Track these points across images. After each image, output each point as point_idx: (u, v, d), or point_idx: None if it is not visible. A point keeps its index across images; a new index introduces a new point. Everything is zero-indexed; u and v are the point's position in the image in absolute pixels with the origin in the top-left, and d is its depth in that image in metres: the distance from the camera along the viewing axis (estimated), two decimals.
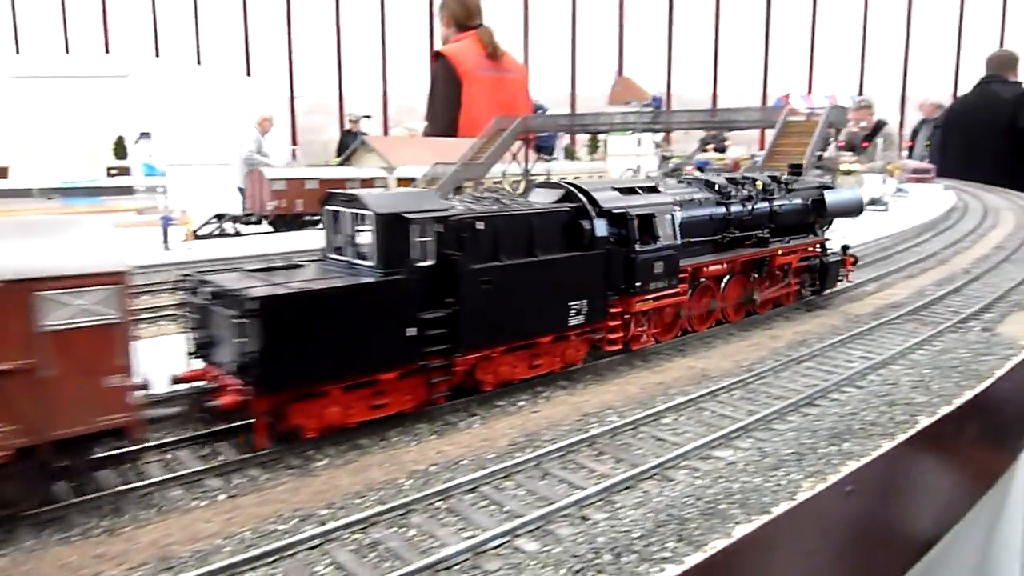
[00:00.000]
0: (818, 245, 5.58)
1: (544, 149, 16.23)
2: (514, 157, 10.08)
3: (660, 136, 17.85)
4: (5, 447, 2.35)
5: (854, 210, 5.92)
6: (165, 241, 7.90)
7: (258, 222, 9.95)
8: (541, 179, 11.62)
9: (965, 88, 34.75)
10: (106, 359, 2.53)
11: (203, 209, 10.25)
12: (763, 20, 36.64)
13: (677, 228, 4.36)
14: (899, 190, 12.12)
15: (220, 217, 9.36)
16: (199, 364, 3.28)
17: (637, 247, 4.12)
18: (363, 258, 3.42)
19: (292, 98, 36.81)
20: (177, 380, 3.25)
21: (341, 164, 12.37)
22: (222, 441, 3.15)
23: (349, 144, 29.42)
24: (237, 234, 9.40)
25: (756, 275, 5.02)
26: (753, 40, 36.65)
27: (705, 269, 4.64)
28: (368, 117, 11.87)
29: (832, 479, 2.88)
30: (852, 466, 2.99)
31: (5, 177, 14.45)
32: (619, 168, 17.39)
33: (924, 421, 3.44)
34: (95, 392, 2.52)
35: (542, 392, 3.79)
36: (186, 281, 3.41)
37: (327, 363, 3.07)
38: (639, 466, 2.89)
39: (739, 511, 2.57)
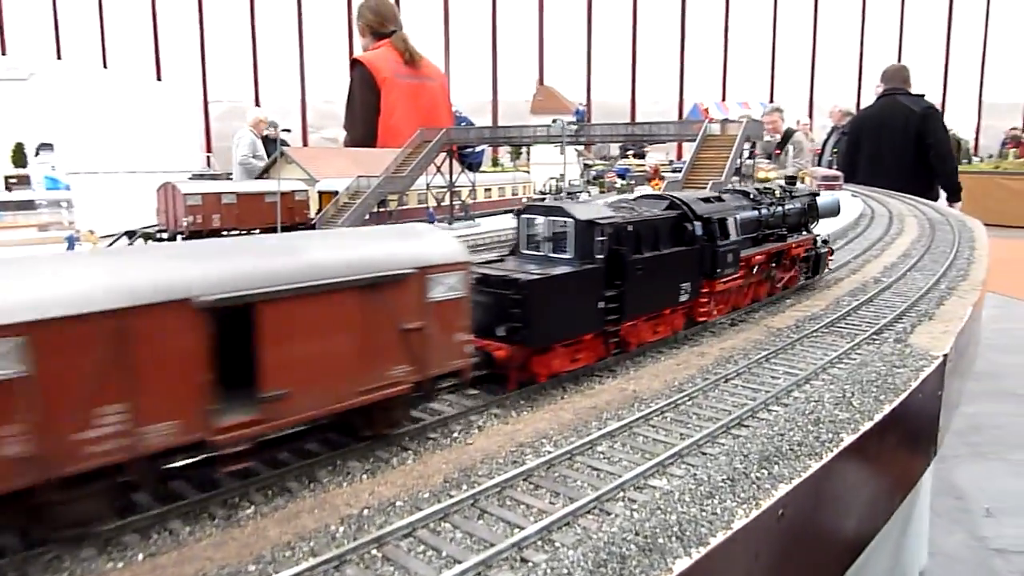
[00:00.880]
0: (812, 240, 6.89)
1: (473, 167, 16.14)
2: (438, 169, 9.98)
3: (582, 146, 18.07)
4: (407, 381, 3.40)
5: (835, 212, 7.73)
6: None
7: (172, 239, 9.56)
8: (466, 191, 11.58)
9: (867, 96, 36.50)
10: (458, 321, 3.64)
11: (113, 222, 9.79)
12: (678, 29, 37.56)
13: (738, 227, 5.62)
14: None
15: (131, 234, 8.95)
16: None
17: (719, 243, 5.33)
18: (561, 252, 4.54)
19: (206, 103, 35.64)
20: None
21: (260, 176, 12.00)
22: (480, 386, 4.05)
23: (267, 150, 28.65)
24: None
25: (775, 264, 6.21)
26: (669, 48, 37.51)
27: (753, 259, 5.94)
28: (288, 131, 11.52)
29: (765, 504, 2.92)
30: (783, 490, 3.04)
31: None
32: (543, 176, 17.50)
33: (848, 438, 3.54)
34: (451, 344, 3.61)
35: (476, 422, 3.73)
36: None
37: (557, 327, 4.27)
38: (577, 500, 2.87)
39: (677, 544, 2.57)
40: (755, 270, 6.00)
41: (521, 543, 2.57)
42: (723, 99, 37.97)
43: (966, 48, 37.13)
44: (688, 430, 3.62)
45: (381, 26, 15.42)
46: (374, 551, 2.56)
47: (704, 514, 2.79)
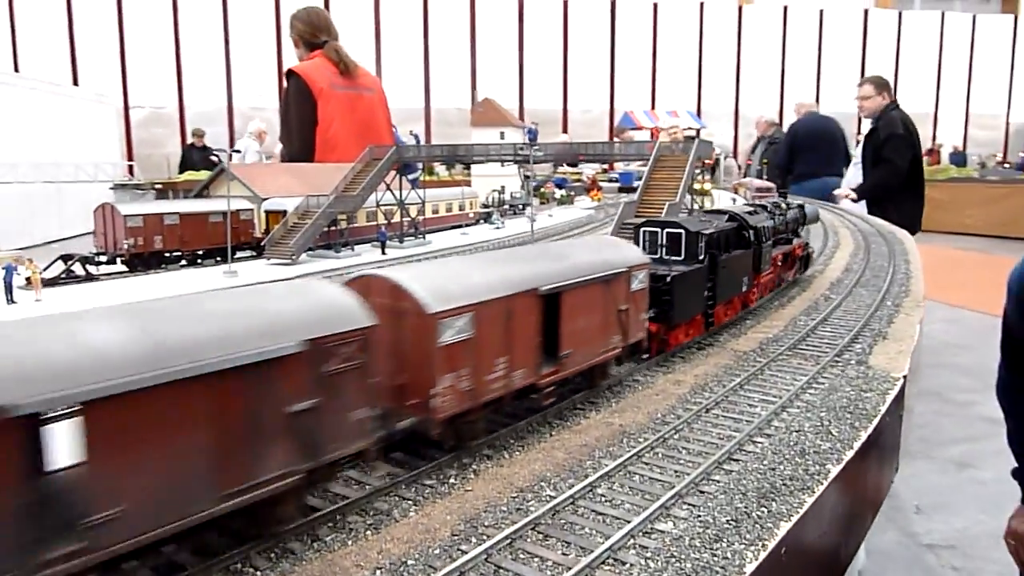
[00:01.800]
0: (804, 243, 8.53)
1: (413, 182, 15.99)
2: (388, 187, 9.87)
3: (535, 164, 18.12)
4: (619, 346, 4.67)
5: (816, 219, 9.69)
6: (8, 293, 7.05)
7: (111, 262, 9.15)
8: (414, 207, 11.46)
9: (789, 107, 37.84)
10: (643, 305, 4.92)
11: (27, 234, 9.30)
12: (608, 39, 38.15)
13: (769, 234, 7.11)
14: None
15: (67, 258, 8.52)
16: None
17: (763, 246, 6.79)
18: (675, 255, 5.66)
19: (127, 109, 34.31)
20: None
21: (199, 194, 11.61)
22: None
23: (193, 159, 27.67)
24: (89, 277, 8.57)
25: (783, 262, 7.73)
26: (599, 57, 38.07)
27: (776, 258, 7.41)
28: (237, 151, 11.10)
29: (771, 545, 2.99)
30: (784, 528, 3.12)
31: None
32: (484, 187, 17.49)
33: (834, 469, 3.66)
34: (639, 320, 4.87)
35: (470, 465, 3.69)
36: None
37: (685, 309, 5.54)
38: (590, 550, 2.87)
39: None
40: (776, 267, 7.51)
41: None
42: (652, 107, 38.81)
43: (882, 60, 38.88)
44: (681, 467, 3.66)
45: (313, 36, 15.06)
46: None
47: (716, 559, 2.83)
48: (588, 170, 23.49)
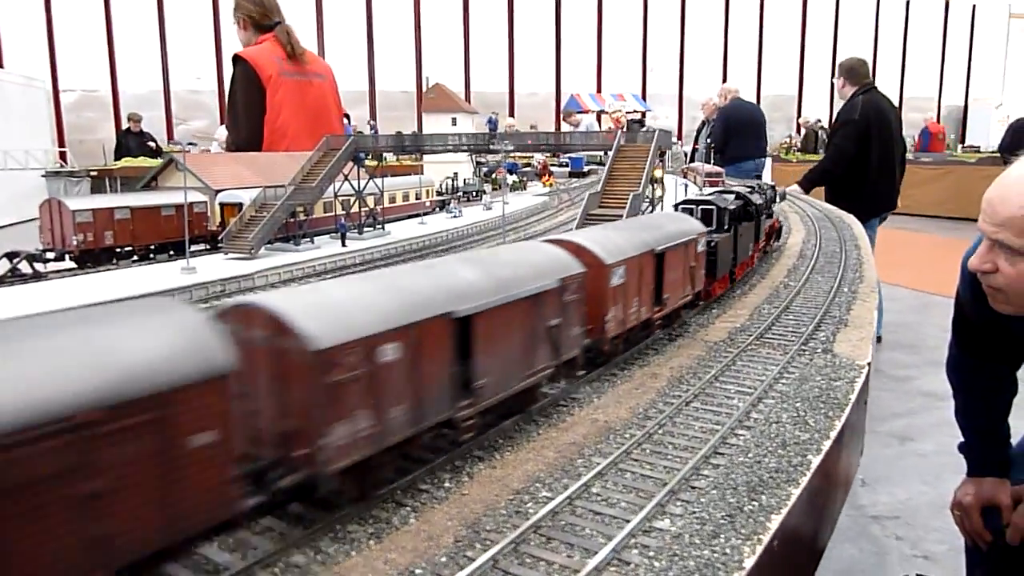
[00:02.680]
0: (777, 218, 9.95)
1: (359, 162, 15.77)
2: (346, 178, 9.74)
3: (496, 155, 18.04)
4: (691, 295, 5.87)
5: (784, 198, 11.68)
6: None
7: (60, 259, 8.83)
8: (371, 197, 11.33)
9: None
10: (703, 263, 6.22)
11: None
12: (553, 21, 38.09)
13: (761, 209, 8.44)
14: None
15: (12, 256, 8.19)
16: None
17: (761, 219, 8.35)
18: (708, 226, 6.70)
19: (56, 92, 32.90)
20: None
21: (146, 185, 11.26)
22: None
23: (129, 145, 26.72)
24: (36, 275, 8.26)
25: (767, 233, 9.06)
26: (545, 40, 38.04)
27: (765, 230, 8.81)
28: (193, 144, 10.72)
29: (765, 539, 3.09)
30: (776, 520, 3.23)
31: None
32: (437, 174, 17.39)
33: (815, 460, 3.79)
34: (701, 276, 6.14)
35: (463, 468, 3.71)
36: None
37: (721, 269, 6.85)
38: (594, 552, 2.92)
39: None
40: (767, 237, 9.04)
41: None
42: (599, 91, 39.02)
43: (821, 43, 39.81)
44: (670, 463, 3.75)
45: (264, 18, 14.56)
46: None
47: (716, 555, 2.92)
48: (539, 155, 23.52)
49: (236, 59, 14.02)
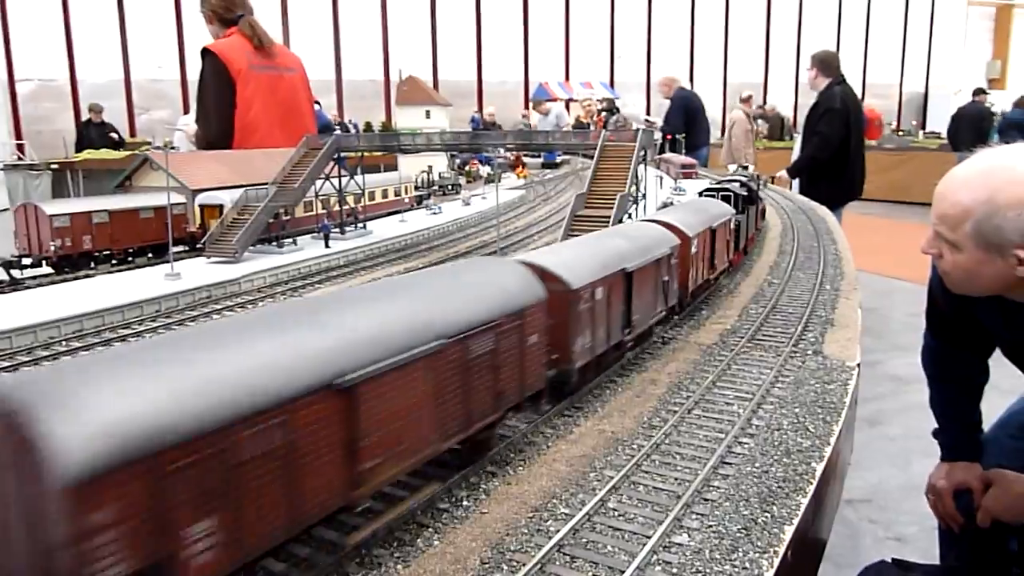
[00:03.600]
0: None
1: (339, 161, 15.61)
2: (327, 177, 9.67)
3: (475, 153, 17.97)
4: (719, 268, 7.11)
5: (766, 184, 13.14)
6: None
7: (37, 264, 8.65)
8: (351, 196, 11.26)
9: (702, 77, 38.76)
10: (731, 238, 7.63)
11: None
12: (521, 9, 37.94)
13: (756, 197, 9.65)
14: (677, 189, 13.29)
15: None
16: None
17: (757, 204, 9.70)
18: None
19: (11, 83, 31.95)
20: None
21: (121, 184, 11.05)
22: None
23: (90, 137, 26.07)
24: (13, 282, 8.09)
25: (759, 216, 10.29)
26: (513, 28, 37.90)
27: (759, 212, 10.08)
28: (173, 146, 10.42)
29: (780, 550, 3.20)
30: (789, 532, 3.34)
31: None
32: (412, 168, 17.29)
33: (818, 468, 3.92)
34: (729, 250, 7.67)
35: (478, 484, 3.76)
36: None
37: (740, 243, 8.34)
38: (619, 570, 3.00)
39: None
40: (759, 218, 10.27)
41: None
42: (567, 79, 39.03)
43: (785, 31, 40.24)
44: (680, 474, 3.84)
45: (228, 12, 14.19)
46: None
47: (737, 570, 3.02)
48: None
49: (205, 52, 13.69)
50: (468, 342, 3.31)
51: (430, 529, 3.39)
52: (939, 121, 37.56)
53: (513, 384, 3.75)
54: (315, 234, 10.08)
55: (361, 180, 10.90)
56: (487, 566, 3.09)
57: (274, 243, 9.30)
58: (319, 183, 10.00)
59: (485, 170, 20.44)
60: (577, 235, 7.23)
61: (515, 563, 3.09)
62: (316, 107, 17.06)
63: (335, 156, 9.92)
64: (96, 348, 6.14)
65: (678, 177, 15.86)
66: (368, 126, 27.66)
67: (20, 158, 24.33)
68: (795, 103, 39.31)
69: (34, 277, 8.50)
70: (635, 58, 40.08)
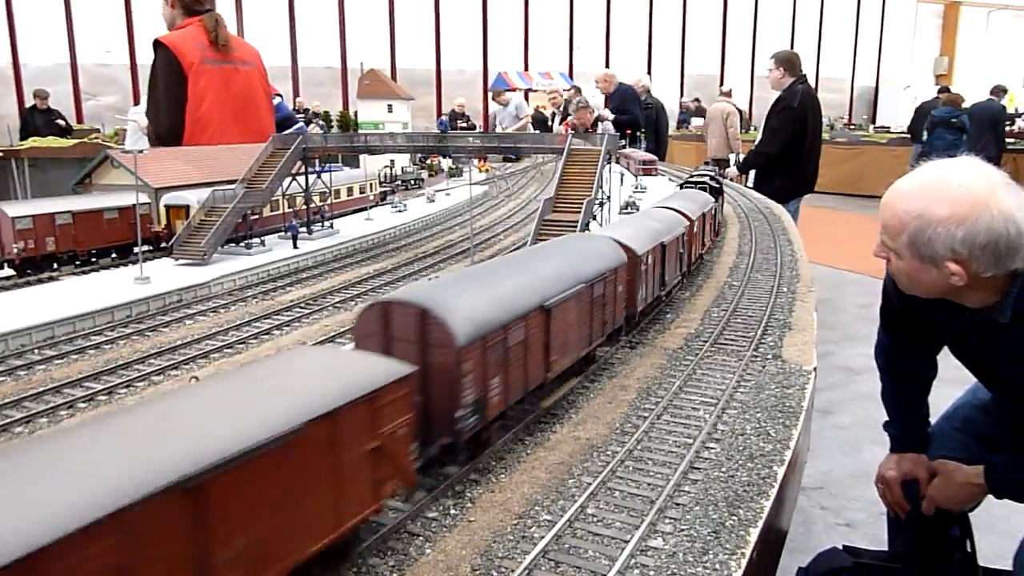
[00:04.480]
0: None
1: (281, 124, 15.45)
2: (294, 177, 9.71)
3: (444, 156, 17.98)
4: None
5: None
6: None
7: None
8: (320, 195, 11.29)
9: (661, 70, 39.20)
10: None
11: None
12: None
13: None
14: (638, 187, 13.57)
15: None
16: None
17: (724, 195, 11.22)
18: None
19: None
20: None
21: (79, 183, 10.90)
22: None
23: (36, 124, 25.35)
24: None
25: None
26: (472, 17, 37.79)
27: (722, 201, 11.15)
28: (141, 151, 10.21)
29: (747, 551, 3.46)
30: (754, 534, 3.61)
31: None
32: (374, 163, 17.26)
33: (780, 471, 4.20)
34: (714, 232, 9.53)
35: (464, 492, 3.95)
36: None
37: (718, 227, 10.31)
38: (603, 575, 3.23)
39: None
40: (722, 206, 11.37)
41: None
42: (526, 69, 39.12)
43: (742, 26, 40.86)
44: (653, 479, 4.09)
45: (196, 3, 13.92)
46: None
47: (708, 571, 3.27)
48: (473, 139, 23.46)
49: (157, 45, 13.30)
50: (594, 287, 4.98)
51: (421, 538, 3.57)
52: (889, 115, 38.70)
53: (611, 317, 5.37)
54: (282, 234, 10.10)
55: (328, 178, 10.93)
56: (478, 573, 3.29)
57: (242, 244, 9.30)
58: (288, 182, 10.01)
59: (447, 163, 20.51)
60: (545, 239, 7.45)
61: (504, 569, 3.30)
62: (278, 99, 16.87)
63: (302, 156, 9.95)
64: (70, 356, 6.14)
65: (638, 173, 16.13)
66: (326, 115, 27.43)
67: None
68: (751, 96, 40.05)
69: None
70: (594, 49, 40.34)
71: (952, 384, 4.53)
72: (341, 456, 2.79)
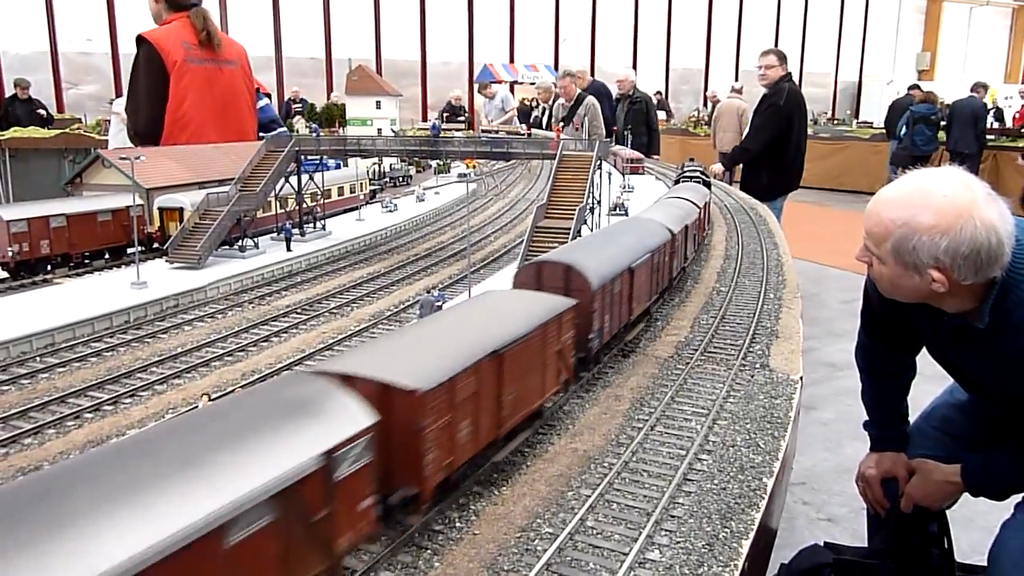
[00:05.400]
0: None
1: (264, 127, 15.35)
2: (286, 179, 9.79)
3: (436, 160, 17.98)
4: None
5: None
6: None
7: None
8: (313, 196, 11.36)
9: (646, 65, 39.30)
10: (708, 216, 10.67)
11: None
12: None
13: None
14: (626, 187, 13.73)
15: None
16: None
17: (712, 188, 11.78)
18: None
19: None
20: None
21: (70, 182, 10.90)
22: None
23: (16, 114, 25.08)
24: None
25: None
26: (458, 8, 37.75)
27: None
28: (139, 158, 10.17)
29: (739, 563, 3.65)
30: (746, 545, 3.80)
31: None
32: (361, 161, 17.28)
33: (769, 483, 4.39)
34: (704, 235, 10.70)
35: (467, 505, 4.11)
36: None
37: (710, 216, 11.19)
38: None
39: None
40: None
41: None
42: (511, 61, 39.13)
43: (726, 21, 41.04)
44: (648, 491, 4.27)
45: None
46: None
47: None
48: (459, 134, 23.50)
49: (140, 40, 13.10)
50: (654, 255, 6.53)
51: (428, 551, 3.73)
52: (872, 111, 39.09)
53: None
54: (275, 235, 10.18)
55: (320, 179, 11.00)
56: None
57: (236, 246, 9.37)
58: (280, 184, 10.08)
59: (434, 160, 20.54)
60: (538, 245, 7.60)
61: None
62: (265, 100, 16.71)
63: (295, 158, 10.02)
64: (72, 364, 6.22)
65: (625, 171, 16.28)
66: (312, 107, 27.34)
67: None
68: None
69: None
70: (580, 42, 40.42)
71: (931, 380, 4.70)
72: (545, 352, 4.43)
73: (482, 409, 3.81)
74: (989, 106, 28.77)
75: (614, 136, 19.53)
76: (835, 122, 37.71)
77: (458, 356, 3.55)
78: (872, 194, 3.62)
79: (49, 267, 9.04)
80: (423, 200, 14.15)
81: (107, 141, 17.91)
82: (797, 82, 15.34)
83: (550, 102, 24.27)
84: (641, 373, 6.03)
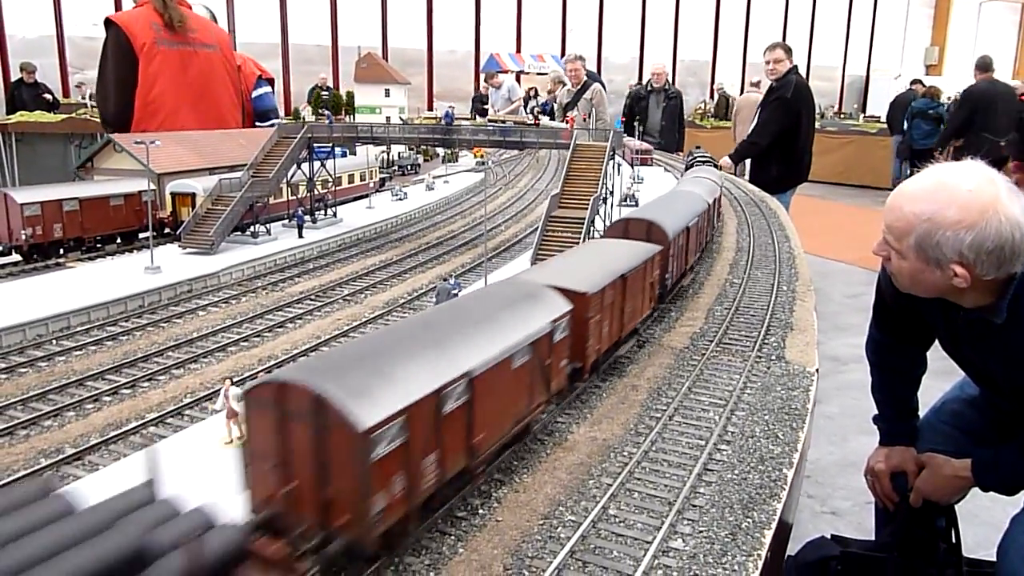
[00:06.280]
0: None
1: (260, 116, 15.19)
2: (299, 166, 9.78)
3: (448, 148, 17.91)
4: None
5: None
6: None
7: (7, 253, 8.58)
8: (324, 183, 11.35)
9: (652, 55, 39.11)
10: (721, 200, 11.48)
11: None
12: None
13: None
14: (636, 178, 13.70)
15: None
16: None
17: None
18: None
19: None
20: None
21: (81, 167, 10.90)
22: None
23: (23, 98, 25.06)
24: None
25: None
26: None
27: None
28: (155, 143, 10.09)
29: (763, 553, 3.66)
30: (768, 536, 3.80)
31: None
32: (374, 149, 17.26)
33: (789, 474, 4.40)
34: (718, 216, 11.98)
35: (489, 492, 4.12)
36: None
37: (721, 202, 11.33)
38: (629, 575, 3.42)
39: None
40: None
41: None
42: (518, 51, 38.94)
43: (735, 15, 40.80)
44: (669, 480, 4.28)
45: None
46: None
47: (728, 573, 3.46)
48: (467, 123, 23.37)
49: (107, 23, 12.87)
50: (699, 219, 7.58)
51: (453, 537, 3.74)
52: (880, 105, 38.90)
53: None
54: (286, 222, 10.17)
55: (332, 166, 10.99)
56: (510, 572, 3.47)
57: (248, 233, 9.37)
58: (292, 171, 10.07)
59: (443, 149, 20.51)
60: (552, 235, 7.59)
61: (535, 569, 3.47)
62: (266, 89, 16.41)
63: (307, 145, 10.01)
64: (88, 348, 6.24)
65: (634, 163, 16.26)
66: (336, 94, 27.21)
67: None
68: (742, 83, 40.05)
69: (3, 266, 8.44)
70: (587, 32, 40.19)
71: (938, 376, 4.68)
72: (643, 282, 5.79)
73: (614, 316, 5.28)
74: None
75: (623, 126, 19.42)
76: (842, 116, 37.56)
77: (604, 276, 5.04)
78: (878, 189, 3.60)
79: (62, 251, 9.05)
80: (432, 189, 14.13)
81: None
82: (805, 76, 15.31)
83: (555, 93, 24.09)
84: (657, 363, 6.03)
